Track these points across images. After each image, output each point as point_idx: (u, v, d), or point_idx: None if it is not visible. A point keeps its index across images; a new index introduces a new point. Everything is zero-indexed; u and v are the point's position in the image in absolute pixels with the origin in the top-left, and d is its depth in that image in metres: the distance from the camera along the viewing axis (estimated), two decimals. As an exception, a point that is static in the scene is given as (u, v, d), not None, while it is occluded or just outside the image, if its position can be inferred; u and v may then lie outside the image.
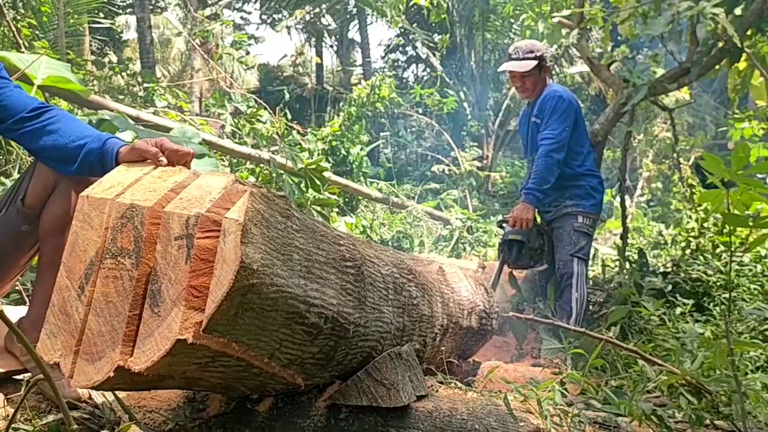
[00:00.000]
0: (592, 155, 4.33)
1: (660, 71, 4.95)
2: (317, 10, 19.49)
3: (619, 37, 5.04)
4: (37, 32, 7.20)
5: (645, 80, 4.44)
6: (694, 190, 5.03)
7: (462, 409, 1.98)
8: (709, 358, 3.03)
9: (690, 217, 5.12)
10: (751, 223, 1.91)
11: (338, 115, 11.73)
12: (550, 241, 4.14)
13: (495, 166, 17.22)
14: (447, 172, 15.74)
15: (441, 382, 2.35)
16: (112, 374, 1.32)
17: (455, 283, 2.90)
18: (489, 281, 4.03)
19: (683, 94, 6.94)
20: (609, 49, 4.81)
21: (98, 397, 1.87)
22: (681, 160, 4.90)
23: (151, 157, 1.58)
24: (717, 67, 4.47)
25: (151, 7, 16.06)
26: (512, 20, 17.09)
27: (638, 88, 4.26)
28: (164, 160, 1.58)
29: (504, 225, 4.23)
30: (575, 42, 4.48)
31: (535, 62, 4.12)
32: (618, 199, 5.78)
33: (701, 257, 4.37)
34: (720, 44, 4.11)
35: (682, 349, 3.20)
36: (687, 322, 3.58)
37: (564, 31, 4.75)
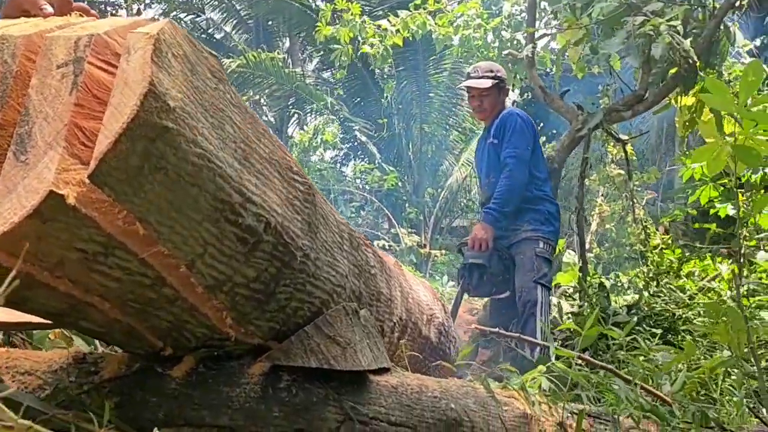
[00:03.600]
0: (548, 182, 4.13)
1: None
2: (257, 97, 19.27)
3: (569, 74, 5.01)
4: None
5: (598, 109, 4.33)
6: (648, 231, 4.88)
7: (434, 386, 1.59)
8: (691, 379, 2.72)
9: (645, 260, 4.94)
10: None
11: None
12: (513, 267, 3.85)
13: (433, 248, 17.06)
14: (387, 248, 15.49)
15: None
16: (-51, 252, 0.91)
17: (413, 282, 2.54)
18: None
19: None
20: (558, 80, 4.73)
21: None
22: (635, 199, 4.77)
23: (30, 6, 1.21)
24: (669, 99, 4.40)
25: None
26: (447, 113, 17.46)
27: (593, 114, 4.12)
28: (50, 9, 1.21)
29: (463, 249, 3.93)
30: (525, 71, 4.36)
31: (494, 81, 3.96)
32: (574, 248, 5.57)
33: (664, 290, 4.15)
34: (674, 70, 4.04)
35: (658, 371, 2.89)
36: (659, 349, 3.28)
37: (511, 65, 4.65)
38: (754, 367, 1.90)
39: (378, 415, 1.45)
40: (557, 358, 2.64)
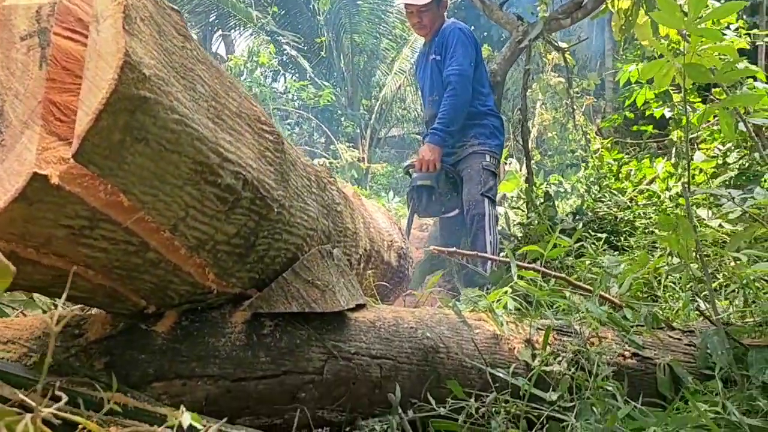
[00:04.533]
0: (492, 96, 4.14)
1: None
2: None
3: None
4: None
5: (537, 19, 4.32)
6: (588, 136, 5.00)
7: (408, 317, 1.66)
8: (637, 280, 2.89)
9: (586, 165, 5.09)
10: (713, 75, 1.71)
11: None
12: (461, 185, 3.89)
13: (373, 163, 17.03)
14: (328, 165, 15.40)
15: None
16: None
17: (373, 211, 2.57)
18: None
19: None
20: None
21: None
22: (575, 106, 4.86)
23: None
24: (606, 4, 4.43)
25: None
26: (377, 20, 17.04)
27: (534, 25, 4.12)
28: None
29: (411, 171, 3.94)
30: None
31: None
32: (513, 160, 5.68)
33: (605, 195, 4.31)
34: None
35: (606, 275, 3.04)
36: (605, 253, 3.45)
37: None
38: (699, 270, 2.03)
39: (360, 350, 1.51)
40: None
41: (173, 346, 1.37)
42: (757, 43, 4.65)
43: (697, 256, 1.87)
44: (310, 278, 1.47)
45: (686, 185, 1.87)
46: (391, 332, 1.58)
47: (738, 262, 2.06)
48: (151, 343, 1.35)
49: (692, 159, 3.79)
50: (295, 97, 16.42)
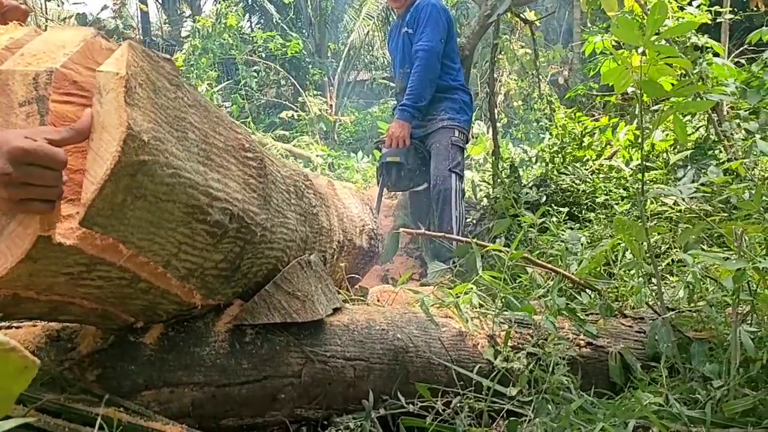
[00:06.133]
0: (462, 71, 4.20)
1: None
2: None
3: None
4: None
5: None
6: (553, 107, 5.10)
7: (380, 319, 1.77)
8: (595, 259, 3.04)
9: (551, 134, 5.19)
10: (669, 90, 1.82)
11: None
12: (429, 159, 3.98)
13: (341, 114, 16.92)
14: (296, 117, 15.28)
15: (346, 300, 2.12)
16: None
17: (345, 198, 2.66)
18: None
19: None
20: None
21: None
22: (540, 76, 4.94)
23: None
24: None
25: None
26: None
27: (502, -1, 4.17)
28: None
29: (381, 146, 4.01)
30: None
31: None
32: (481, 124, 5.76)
33: (568, 168, 4.44)
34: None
35: (567, 252, 3.19)
36: (570, 228, 3.59)
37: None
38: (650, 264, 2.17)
39: (335, 354, 1.63)
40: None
41: (161, 356, 1.46)
42: (718, 20, 4.75)
43: (650, 258, 2.01)
44: (291, 290, 1.57)
45: (640, 188, 1.99)
46: (364, 335, 1.70)
47: (681, 261, 2.20)
48: (140, 355, 1.44)
49: (649, 136, 3.91)
50: (262, 48, 16.14)
